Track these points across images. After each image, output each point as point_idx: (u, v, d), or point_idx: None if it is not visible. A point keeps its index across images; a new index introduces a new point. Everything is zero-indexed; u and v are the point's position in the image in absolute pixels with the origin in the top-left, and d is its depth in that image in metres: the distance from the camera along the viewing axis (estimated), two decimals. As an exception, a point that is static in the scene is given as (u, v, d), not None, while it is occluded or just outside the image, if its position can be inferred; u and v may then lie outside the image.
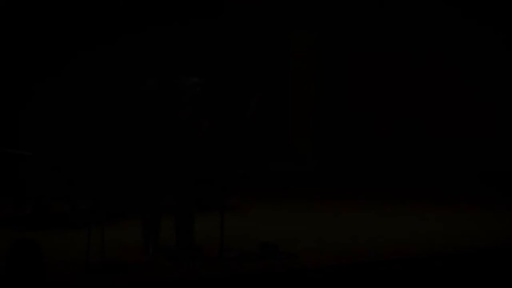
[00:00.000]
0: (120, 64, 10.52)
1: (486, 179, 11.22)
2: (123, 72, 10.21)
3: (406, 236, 7.60)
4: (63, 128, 7.88)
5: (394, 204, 9.57)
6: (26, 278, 5.52)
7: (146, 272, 6.07)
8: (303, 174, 12.81)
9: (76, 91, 8.45)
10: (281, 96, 13.63)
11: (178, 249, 6.60)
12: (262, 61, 12.36)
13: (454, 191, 10.57)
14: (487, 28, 11.63)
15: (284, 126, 13.66)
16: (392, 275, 6.24)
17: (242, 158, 11.52)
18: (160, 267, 6.18)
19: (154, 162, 6.60)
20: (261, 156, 12.39)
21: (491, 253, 6.89)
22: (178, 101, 6.43)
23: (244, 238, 7.01)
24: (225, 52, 11.63)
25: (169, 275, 6.03)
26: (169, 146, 6.55)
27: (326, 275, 6.14)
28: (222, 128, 6.64)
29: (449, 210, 9.13)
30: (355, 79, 12.73)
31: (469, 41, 11.82)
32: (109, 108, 8.58)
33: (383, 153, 12.46)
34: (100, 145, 7.87)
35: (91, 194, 7.32)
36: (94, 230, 6.18)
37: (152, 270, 6.10)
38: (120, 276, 5.98)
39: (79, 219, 7.54)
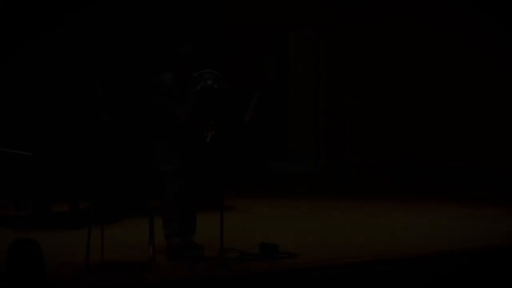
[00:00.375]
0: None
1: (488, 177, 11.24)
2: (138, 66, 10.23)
3: (406, 236, 7.61)
4: (63, 125, 7.87)
5: (394, 203, 9.57)
6: (26, 278, 5.52)
7: (146, 272, 6.07)
8: (302, 174, 12.82)
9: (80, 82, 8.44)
10: (281, 96, 13.65)
11: (178, 249, 6.60)
12: (261, 61, 12.37)
13: (455, 191, 10.58)
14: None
15: (284, 126, 13.68)
16: (392, 275, 6.24)
17: (242, 158, 11.52)
18: (160, 267, 6.18)
19: (162, 160, 6.62)
20: (260, 156, 12.39)
21: (492, 253, 6.89)
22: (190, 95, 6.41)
23: (244, 238, 7.00)
24: (223, 52, 11.64)
25: (169, 275, 6.03)
26: (179, 144, 6.57)
27: (326, 275, 6.13)
28: (224, 127, 6.63)
29: (450, 210, 9.14)
30: (356, 78, 12.73)
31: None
32: (114, 103, 8.58)
33: (383, 152, 12.46)
34: (102, 143, 7.87)
35: (91, 194, 7.31)
36: (94, 230, 6.18)
37: (152, 270, 6.10)
38: (120, 276, 5.98)
39: (79, 219, 7.54)
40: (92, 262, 6.10)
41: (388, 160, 12.35)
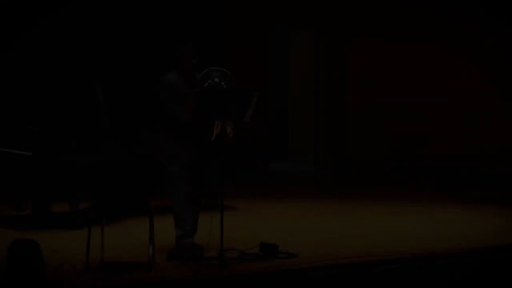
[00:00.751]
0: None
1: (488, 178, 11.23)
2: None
3: (407, 236, 7.61)
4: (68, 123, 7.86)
5: (394, 203, 9.56)
6: (26, 278, 5.52)
7: (146, 272, 6.07)
8: (302, 174, 12.81)
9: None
10: (281, 96, 13.64)
11: (178, 249, 6.60)
12: (261, 61, 12.36)
13: (455, 191, 10.58)
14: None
15: (284, 126, 13.67)
16: (392, 275, 6.24)
17: (242, 157, 11.51)
18: (160, 267, 6.18)
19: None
20: (260, 156, 12.38)
21: (492, 253, 6.89)
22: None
23: (244, 238, 7.00)
24: (223, 52, 11.63)
25: (169, 275, 6.03)
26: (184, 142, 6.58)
27: (326, 275, 6.13)
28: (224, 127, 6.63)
29: (450, 209, 9.13)
30: (356, 78, 12.72)
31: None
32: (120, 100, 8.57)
33: (383, 152, 12.46)
34: (102, 143, 7.87)
35: (92, 194, 7.31)
36: (94, 230, 6.18)
37: (152, 270, 6.10)
38: (120, 276, 5.98)
39: (79, 219, 7.54)
40: (92, 262, 6.10)
41: (388, 160, 12.34)
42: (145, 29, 10.90)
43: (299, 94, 13.40)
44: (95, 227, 6.24)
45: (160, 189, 8.05)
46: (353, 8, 12.48)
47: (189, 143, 6.58)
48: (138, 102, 8.58)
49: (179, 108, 6.43)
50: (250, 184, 11.28)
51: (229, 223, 6.63)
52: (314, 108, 13.01)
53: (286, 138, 13.68)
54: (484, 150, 11.63)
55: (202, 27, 11.18)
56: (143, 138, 8.12)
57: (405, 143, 12.29)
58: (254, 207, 9.24)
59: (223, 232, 6.32)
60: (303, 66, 13.25)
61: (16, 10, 10.21)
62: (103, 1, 10.68)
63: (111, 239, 6.75)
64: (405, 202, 9.69)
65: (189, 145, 6.58)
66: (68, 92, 8.26)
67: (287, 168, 13.23)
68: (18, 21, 10.20)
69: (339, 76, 12.74)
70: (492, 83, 11.70)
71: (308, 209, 9.30)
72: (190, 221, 6.64)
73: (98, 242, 6.28)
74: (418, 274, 6.26)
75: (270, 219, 8.55)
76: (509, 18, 11.38)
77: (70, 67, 9.86)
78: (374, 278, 6.16)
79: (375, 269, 6.15)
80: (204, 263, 6.28)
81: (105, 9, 10.70)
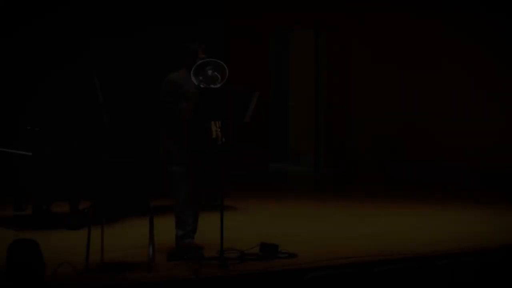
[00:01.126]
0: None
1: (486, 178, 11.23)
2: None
3: (407, 236, 7.61)
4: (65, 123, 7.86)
5: (395, 203, 9.57)
6: (26, 278, 5.52)
7: (146, 272, 6.07)
8: (302, 174, 12.81)
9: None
10: (281, 96, 13.64)
11: (178, 249, 6.60)
12: (261, 61, 12.36)
13: (456, 191, 10.58)
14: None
15: (284, 126, 13.67)
16: (392, 275, 6.23)
17: (242, 157, 11.51)
18: (160, 267, 6.18)
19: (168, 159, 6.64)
20: (260, 157, 12.38)
21: (492, 252, 6.89)
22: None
23: (244, 238, 7.00)
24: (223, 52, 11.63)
25: (169, 275, 6.03)
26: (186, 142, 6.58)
27: (326, 275, 6.13)
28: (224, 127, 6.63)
29: (451, 209, 9.13)
30: (356, 77, 12.73)
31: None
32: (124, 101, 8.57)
33: (384, 152, 12.46)
34: (102, 143, 7.86)
35: (91, 194, 7.30)
36: (94, 230, 6.18)
37: (152, 270, 6.10)
38: (120, 276, 5.98)
39: (79, 219, 7.54)
40: (92, 262, 6.10)
41: (388, 160, 12.34)
42: (145, 28, 10.89)
43: (299, 94, 13.40)
44: (95, 227, 6.24)
45: (160, 189, 8.04)
46: (353, 8, 12.48)
47: (189, 143, 6.58)
48: (139, 102, 8.59)
49: (179, 108, 6.43)
50: (250, 184, 11.29)
51: (229, 223, 6.63)
52: (314, 108, 13.01)
53: (286, 138, 13.68)
54: (484, 150, 11.63)
55: (202, 26, 11.17)
56: (140, 138, 8.13)
57: (406, 142, 12.29)
58: (254, 207, 9.24)
59: (223, 232, 6.32)
60: (303, 66, 13.25)
61: (16, 10, 10.21)
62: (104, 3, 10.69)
63: (111, 239, 6.75)
64: (405, 202, 9.69)
65: (189, 145, 6.58)
66: (68, 91, 8.25)
67: (287, 168, 13.24)
68: (17, 20, 10.20)
69: (339, 76, 12.74)
70: (493, 83, 11.69)
71: (308, 209, 9.31)
72: (191, 221, 6.64)
73: (98, 242, 6.28)
74: (418, 274, 6.25)
75: (270, 219, 8.56)
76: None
77: (70, 67, 9.86)
78: (374, 278, 6.15)
79: (375, 269, 6.14)
80: (204, 263, 6.27)
81: (106, 8, 10.69)
